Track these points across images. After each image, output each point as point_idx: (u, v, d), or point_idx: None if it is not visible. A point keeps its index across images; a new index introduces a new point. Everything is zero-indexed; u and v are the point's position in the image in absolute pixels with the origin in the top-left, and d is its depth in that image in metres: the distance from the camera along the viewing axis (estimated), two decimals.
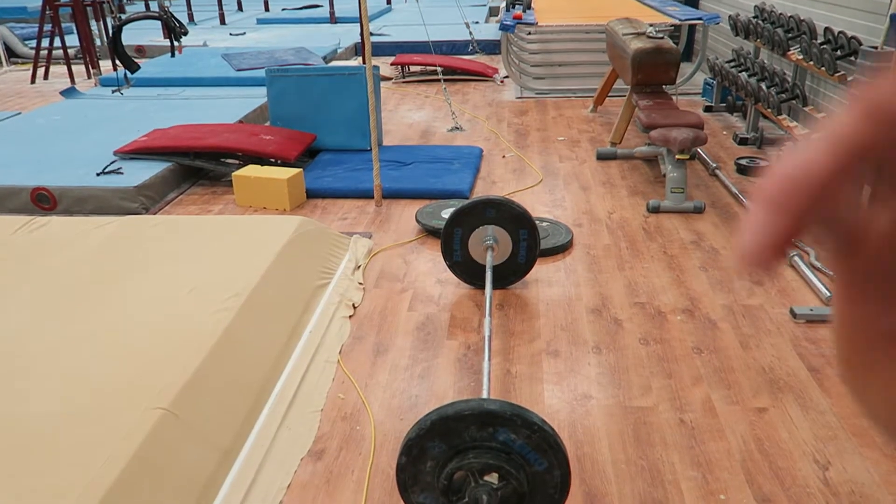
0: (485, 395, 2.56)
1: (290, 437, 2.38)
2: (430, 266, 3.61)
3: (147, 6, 12.42)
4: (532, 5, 7.90)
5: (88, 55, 8.30)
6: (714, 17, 6.64)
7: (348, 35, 10.30)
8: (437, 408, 1.84)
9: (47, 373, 2.38)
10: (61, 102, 6.72)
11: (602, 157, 5.18)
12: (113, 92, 6.92)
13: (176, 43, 7.21)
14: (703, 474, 2.19)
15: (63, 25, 8.90)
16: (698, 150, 5.10)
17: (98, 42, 8.62)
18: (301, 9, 14.07)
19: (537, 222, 3.26)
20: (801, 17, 5.17)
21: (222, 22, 12.45)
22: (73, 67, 8.62)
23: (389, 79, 7.96)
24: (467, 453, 1.82)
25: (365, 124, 5.18)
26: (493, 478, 1.83)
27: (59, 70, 8.95)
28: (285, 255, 3.24)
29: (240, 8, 14.35)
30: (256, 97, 6.50)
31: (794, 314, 3.05)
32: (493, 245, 3.17)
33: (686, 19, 6.72)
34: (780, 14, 5.53)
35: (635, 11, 6.88)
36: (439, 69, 6.66)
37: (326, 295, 3.26)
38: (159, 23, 6.99)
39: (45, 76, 8.90)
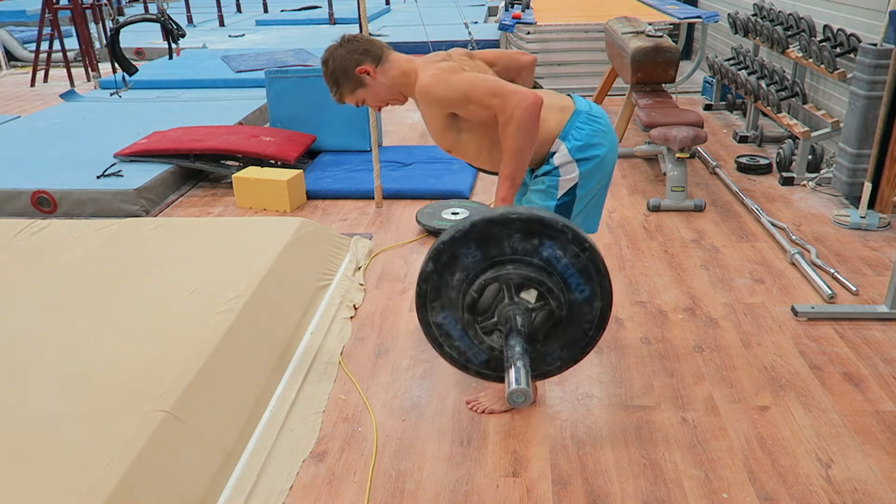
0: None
1: (292, 439, 2.38)
2: None
3: (146, 8, 12.42)
4: (531, 5, 7.89)
5: (88, 58, 8.30)
6: (713, 16, 6.64)
7: None
8: (479, 210, 1.66)
9: (48, 376, 2.38)
10: (61, 105, 6.72)
11: None
12: (112, 94, 6.92)
13: (174, 45, 7.20)
14: (706, 473, 2.19)
15: (62, 28, 8.91)
16: (698, 148, 5.10)
17: (97, 45, 8.61)
18: (300, 10, 14.07)
19: None
20: (801, 15, 5.16)
21: (221, 24, 12.45)
22: (73, 70, 8.63)
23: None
24: (506, 265, 1.59)
25: (364, 125, 5.19)
26: (530, 296, 1.61)
27: (58, 73, 8.96)
28: (286, 257, 3.24)
29: (238, 10, 14.34)
30: (256, 99, 6.51)
31: (795, 312, 3.05)
32: None
33: (685, 18, 6.71)
34: (780, 12, 5.53)
35: (634, 10, 6.88)
36: None
37: (327, 296, 3.25)
38: (157, 25, 6.97)
39: (45, 79, 8.91)
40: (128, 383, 2.31)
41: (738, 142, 5.48)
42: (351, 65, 2.15)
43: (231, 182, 4.53)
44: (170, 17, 6.98)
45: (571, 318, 1.63)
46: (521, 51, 7.51)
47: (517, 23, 6.83)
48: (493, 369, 1.71)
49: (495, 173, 2.34)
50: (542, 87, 2.44)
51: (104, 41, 7.92)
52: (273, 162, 4.79)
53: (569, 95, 2.26)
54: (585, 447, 2.32)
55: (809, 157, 4.59)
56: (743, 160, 4.88)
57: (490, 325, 1.62)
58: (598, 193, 2.26)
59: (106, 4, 7.89)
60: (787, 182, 4.55)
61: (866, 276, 3.38)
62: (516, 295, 1.59)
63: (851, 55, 4.33)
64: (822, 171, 4.57)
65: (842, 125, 4.30)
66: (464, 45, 10.17)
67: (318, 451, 2.34)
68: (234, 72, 7.66)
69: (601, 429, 2.40)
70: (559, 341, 1.66)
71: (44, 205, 4.39)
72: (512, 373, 1.48)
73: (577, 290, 1.60)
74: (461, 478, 2.20)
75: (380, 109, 2.33)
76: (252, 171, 4.47)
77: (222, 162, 4.88)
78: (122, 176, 4.55)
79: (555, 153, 2.13)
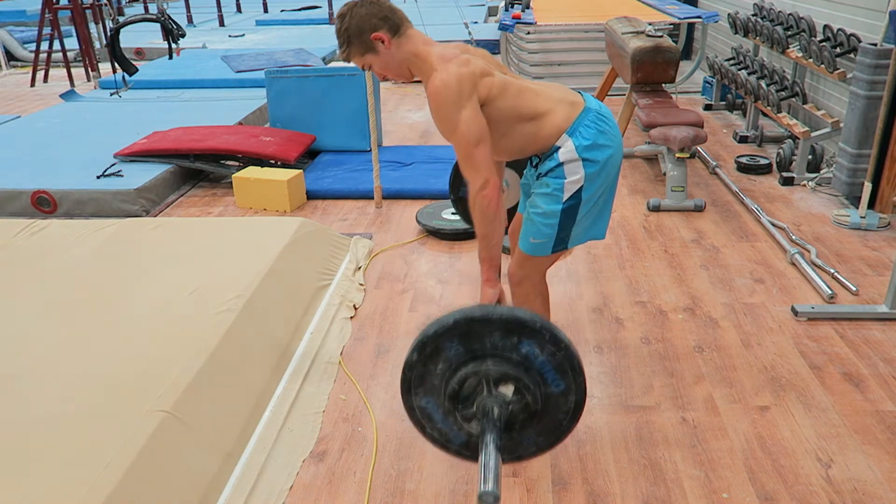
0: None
1: (292, 439, 2.38)
2: (431, 266, 3.61)
3: (146, 8, 12.41)
4: (531, 5, 7.89)
5: (87, 58, 8.30)
6: (713, 16, 6.64)
7: None
8: (463, 308, 1.68)
9: (48, 376, 2.38)
10: (61, 105, 6.72)
11: None
12: (112, 94, 6.92)
13: (174, 45, 7.20)
14: (706, 473, 2.19)
15: (62, 28, 8.91)
16: (698, 148, 5.10)
17: (97, 45, 8.62)
18: (300, 10, 14.07)
19: None
20: (801, 15, 5.17)
21: (221, 24, 12.45)
22: (73, 70, 8.63)
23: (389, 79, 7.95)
24: (486, 360, 1.67)
25: (364, 125, 5.19)
26: (507, 390, 1.68)
27: (58, 73, 8.96)
28: (286, 257, 3.23)
29: (238, 10, 14.33)
30: (256, 99, 6.51)
31: (795, 312, 3.05)
32: (504, 188, 3.09)
33: (685, 18, 6.71)
34: (780, 12, 5.53)
35: (634, 10, 6.88)
36: None
37: (327, 296, 3.25)
38: (157, 25, 6.98)
39: (45, 79, 8.91)
40: (128, 383, 2.31)
41: (738, 142, 5.49)
42: (368, 28, 2.08)
43: (231, 182, 4.53)
44: (170, 17, 6.98)
45: (547, 410, 1.72)
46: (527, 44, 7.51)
47: (517, 23, 6.83)
48: (471, 451, 1.83)
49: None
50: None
51: (104, 41, 7.92)
52: (273, 162, 4.79)
53: (579, 92, 2.24)
54: (585, 447, 2.31)
55: (809, 157, 4.59)
56: (743, 160, 4.88)
57: (469, 414, 1.72)
58: (604, 195, 2.22)
59: (106, 4, 7.89)
60: (787, 182, 4.55)
61: (866, 276, 3.38)
62: (495, 388, 1.68)
63: (851, 55, 4.33)
64: (822, 171, 4.57)
65: (842, 125, 4.30)
66: None
67: (318, 451, 2.34)
68: (234, 72, 7.66)
69: (601, 429, 2.40)
70: (535, 430, 1.76)
71: (44, 205, 4.39)
72: (482, 473, 1.57)
73: (553, 384, 1.69)
74: (461, 478, 2.20)
75: (384, 79, 2.29)
76: (252, 171, 4.47)
77: (222, 162, 4.88)
78: (122, 176, 4.55)
79: (560, 147, 2.11)
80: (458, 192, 3.14)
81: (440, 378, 1.72)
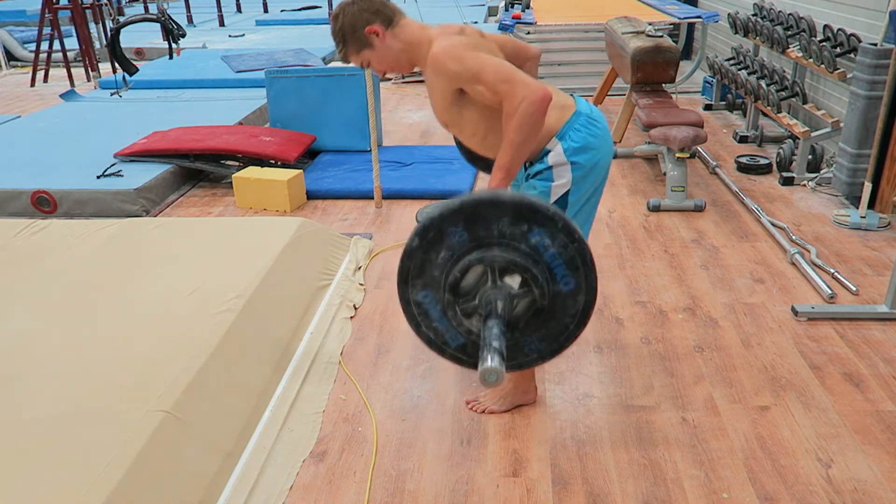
0: None
1: (292, 439, 2.38)
2: None
3: (146, 8, 12.41)
4: (531, 5, 7.89)
5: (88, 58, 8.30)
6: (713, 16, 6.64)
7: None
8: (471, 192, 1.58)
9: (48, 376, 2.38)
10: (61, 105, 6.72)
11: None
12: (112, 94, 6.92)
13: (174, 45, 7.20)
14: (706, 473, 2.19)
15: (62, 28, 8.90)
16: (698, 148, 5.10)
17: (97, 45, 8.62)
18: (300, 10, 14.06)
19: None
20: (801, 15, 5.17)
21: (221, 24, 12.44)
22: (73, 70, 8.62)
23: (389, 79, 7.96)
24: (492, 248, 1.55)
25: (365, 125, 5.19)
26: (513, 282, 1.58)
27: (58, 73, 8.96)
28: (286, 257, 3.24)
29: (238, 10, 14.33)
30: (256, 98, 6.51)
31: (795, 312, 3.05)
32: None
33: (685, 17, 6.71)
34: (780, 12, 5.53)
35: (634, 10, 6.88)
36: None
37: (327, 296, 3.25)
38: (158, 25, 6.98)
39: (45, 79, 8.90)
40: (128, 383, 2.31)
41: (738, 142, 5.48)
42: (360, 23, 2.08)
43: (231, 182, 4.53)
44: (170, 17, 6.98)
45: (554, 310, 1.60)
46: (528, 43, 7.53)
47: (517, 23, 6.83)
48: (468, 355, 1.69)
49: (484, 160, 2.31)
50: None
51: (104, 41, 7.92)
52: (273, 162, 4.79)
53: (571, 95, 2.24)
54: (585, 447, 2.32)
55: (809, 157, 4.59)
56: (743, 160, 4.88)
57: (471, 308, 1.60)
58: (591, 199, 2.21)
59: (106, 4, 7.89)
60: (787, 182, 4.55)
61: (866, 276, 3.38)
62: (500, 279, 1.56)
63: (851, 55, 4.33)
64: (822, 171, 4.57)
65: (842, 125, 4.30)
66: None
67: (318, 451, 2.34)
68: (234, 72, 7.66)
69: (601, 429, 2.40)
70: (539, 332, 1.63)
71: (44, 205, 4.39)
72: (486, 352, 1.46)
73: (563, 281, 1.57)
74: (461, 478, 2.20)
75: (384, 74, 2.27)
76: (252, 171, 4.47)
77: (222, 162, 4.88)
78: (122, 176, 4.55)
79: (550, 151, 2.11)
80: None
81: (441, 268, 1.60)
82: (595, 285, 1.59)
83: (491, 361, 1.44)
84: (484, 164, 2.41)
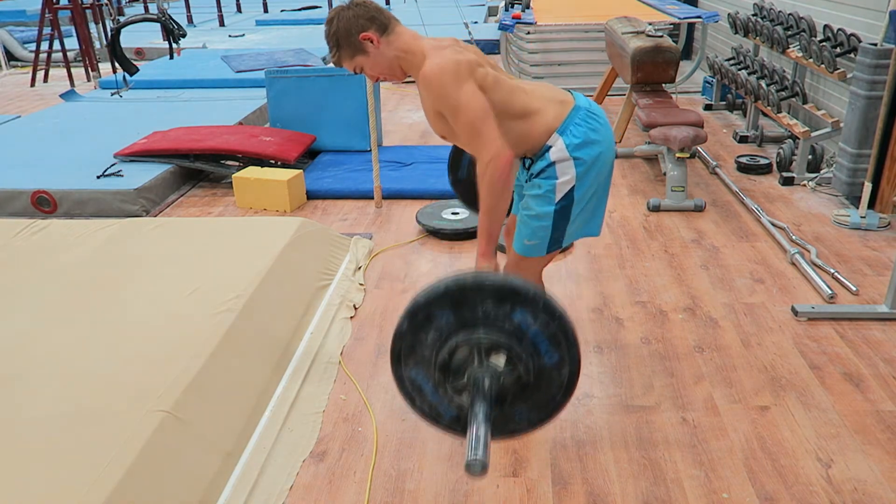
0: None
1: (292, 439, 2.38)
2: (431, 266, 3.61)
3: (146, 8, 12.41)
4: (531, 5, 7.89)
5: (88, 58, 8.30)
6: (713, 16, 6.64)
7: None
8: (454, 274, 1.63)
9: (48, 376, 2.38)
10: (61, 105, 6.72)
11: None
12: (112, 94, 6.92)
13: (174, 45, 7.21)
14: (706, 473, 2.19)
15: (62, 28, 8.91)
16: (698, 148, 5.10)
17: (97, 45, 8.62)
18: (300, 10, 14.07)
19: None
20: (801, 15, 5.17)
21: (221, 24, 12.45)
22: (73, 70, 8.63)
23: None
24: (477, 328, 1.61)
25: (364, 125, 5.19)
26: (499, 360, 1.63)
27: (58, 73, 8.96)
28: (286, 257, 3.24)
29: (239, 10, 14.34)
30: (256, 98, 6.51)
31: (795, 312, 3.05)
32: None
33: (685, 17, 6.71)
34: (780, 12, 5.53)
35: (634, 10, 6.88)
36: None
37: (327, 296, 3.25)
38: (158, 25, 6.98)
39: (45, 79, 8.91)
40: (128, 383, 2.31)
41: (738, 142, 5.48)
42: (355, 29, 2.08)
43: (231, 182, 4.53)
44: (170, 17, 6.98)
45: (540, 383, 1.66)
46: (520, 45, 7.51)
47: (517, 23, 6.83)
48: (462, 426, 1.76)
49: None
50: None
51: (104, 41, 7.93)
52: (273, 162, 4.79)
53: (569, 91, 2.24)
54: (585, 447, 2.32)
55: (809, 157, 4.59)
56: (743, 160, 4.88)
57: (460, 385, 1.67)
58: (598, 193, 2.22)
59: (106, 4, 7.89)
60: (787, 182, 4.55)
61: (866, 276, 3.38)
62: (486, 358, 1.62)
63: (851, 55, 4.33)
64: (822, 171, 4.57)
65: (842, 125, 4.30)
66: None
67: (318, 451, 2.34)
68: (234, 72, 7.66)
69: (601, 429, 2.40)
70: (527, 403, 1.72)
71: (44, 205, 4.40)
72: (472, 442, 1.51)
73: (547, 356, 1.63)
74: (461, 478, 2.20)
75: (376, 81, 2.27)
76: (252, 171, 4.47)
77: (222, 162, 4.88)
78: (122, 176, 4.55)
79: (551, 147, 2.11)
80: (456, 174, 3.08)
81: (430, 348, 1.67)
82: (578, 357, 1.65)
83: (474, 453, 1.49)
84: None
